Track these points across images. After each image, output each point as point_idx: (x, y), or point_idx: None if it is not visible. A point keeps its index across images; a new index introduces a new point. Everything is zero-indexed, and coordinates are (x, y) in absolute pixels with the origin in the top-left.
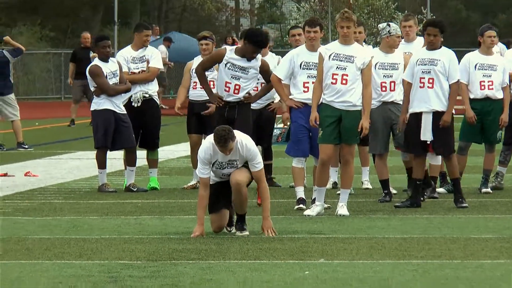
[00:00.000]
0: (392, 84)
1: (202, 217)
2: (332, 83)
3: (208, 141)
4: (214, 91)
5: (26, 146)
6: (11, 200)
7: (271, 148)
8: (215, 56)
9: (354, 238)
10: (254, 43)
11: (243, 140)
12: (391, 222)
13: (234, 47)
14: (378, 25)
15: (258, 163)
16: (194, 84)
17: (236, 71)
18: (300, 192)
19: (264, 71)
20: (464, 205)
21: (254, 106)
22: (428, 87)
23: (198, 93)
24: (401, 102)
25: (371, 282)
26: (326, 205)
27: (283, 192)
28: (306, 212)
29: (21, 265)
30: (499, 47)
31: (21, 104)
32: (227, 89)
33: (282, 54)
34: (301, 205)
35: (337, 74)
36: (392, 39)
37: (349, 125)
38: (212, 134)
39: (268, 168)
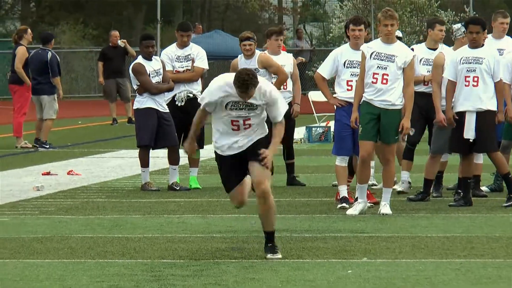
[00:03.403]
0: None
1: (193, 134)
2: (372, 82)
3: (224, 80)
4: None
5: (47, 146)
6: (53, 198)
7: (293, 147)
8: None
9: (397, 237)
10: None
11: (265, 87)
12: (434, 221)
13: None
14: (453, 26)
15: (280, 113)
16: None
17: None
18: (343, 191)
19: None
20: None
21: None
22: (473, 85)
23: None
24: None
25: (414, 281)
26: (369, 204)
27: (326, 191)
28: (349, 212)
29: (64, 264)
30: None
31: (64, 102)
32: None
33: (325, 52)
34: (344, 204)
35: (378, 74)
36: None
37: (388, 124)
38: (228, 74)
39: (290, 167)
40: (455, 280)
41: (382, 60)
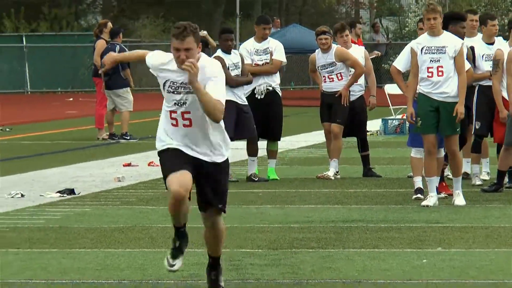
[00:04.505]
0: None
1: (121, 57)
2: (428, 76)
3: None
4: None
5: (128, 138)
6: (134, 189)
7: (367, 139)
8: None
9: (471, 227)
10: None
11: (208, 62)
12: (507, 211)
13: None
14: None
15: (216, 91)
16: (324, 77)
17: (434, 53)
18: (418, 182)
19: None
20: None
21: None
22: None
23: (328, 85)
24: None
25: (488, 270)
26: (444, 195)
27: (401, 182)
28: (423, 203)
29: (144, 254)
30: None
31: (145, 95)
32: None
33: (401, 46)
34: (418, 195)
35: (432, 67)
36: None
37: (448, 117)
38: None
39: (365, 159)
40: None
41: (434, 53)
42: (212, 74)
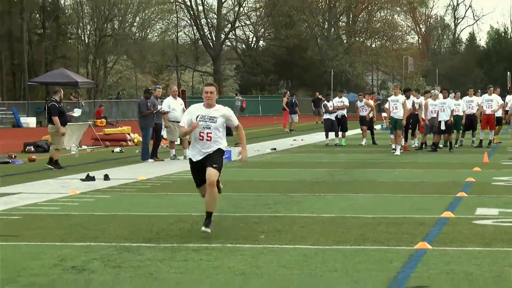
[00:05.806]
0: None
1: (183, 128)
2: (392, 110)
3: (191, 106)
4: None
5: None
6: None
7: (374, 132)
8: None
9: (413, 162)
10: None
11: (224, 108)
12: (426, 157)
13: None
14: (431, 90)
15: (235, 120)
16: (360, 110)
17: (395, 102)
18: (393, 146)
19: None
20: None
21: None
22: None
23: (362, 114)
24: None
25: (428, 176)
26: (403, 150)
27: (388, 147)
28: (395, 153)
29: None
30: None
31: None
32: (393, 109)
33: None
34: (393, 150)
35: (394, 107)
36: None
37: (399, 124)
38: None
39: (373, 138)
40: None
41: (395, 102)
42: (229, 115)
